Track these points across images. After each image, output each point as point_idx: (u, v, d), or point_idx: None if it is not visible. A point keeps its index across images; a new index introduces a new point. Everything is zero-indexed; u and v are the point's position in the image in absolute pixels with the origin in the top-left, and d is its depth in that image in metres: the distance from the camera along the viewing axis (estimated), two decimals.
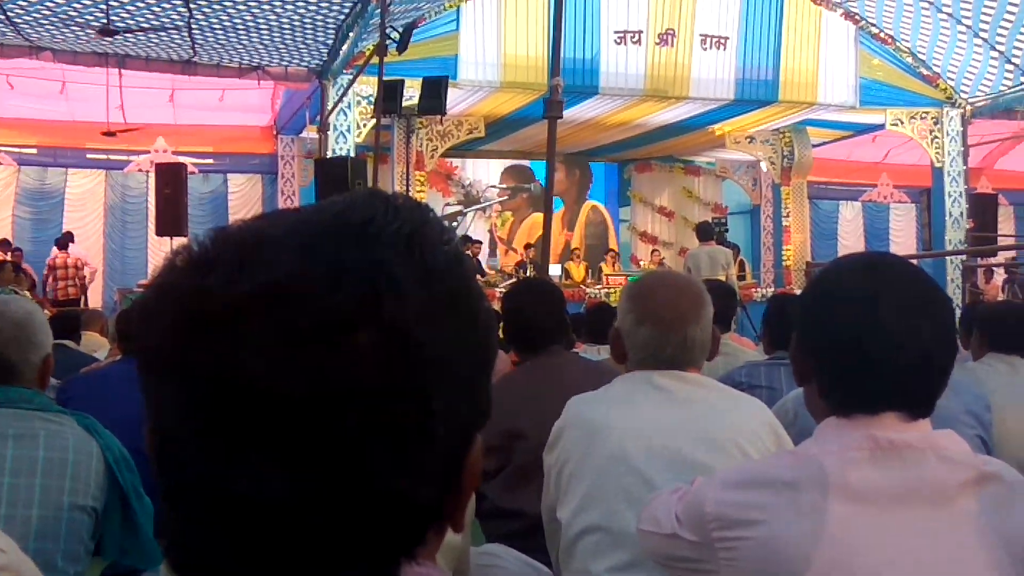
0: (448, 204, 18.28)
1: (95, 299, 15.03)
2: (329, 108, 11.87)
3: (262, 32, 10.88)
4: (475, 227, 18.41)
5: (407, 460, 0.61)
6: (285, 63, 12.19)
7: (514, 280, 12.92)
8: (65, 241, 13.97)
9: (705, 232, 12.44)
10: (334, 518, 0.60)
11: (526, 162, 18.90)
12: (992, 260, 15.37)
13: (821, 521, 1.35)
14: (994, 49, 13.56)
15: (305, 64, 12.21)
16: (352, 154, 11.89)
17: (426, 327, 0.61)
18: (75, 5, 9.87)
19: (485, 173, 18.88)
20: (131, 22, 10.25)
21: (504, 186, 19.18)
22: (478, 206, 18.41)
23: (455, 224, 16.78)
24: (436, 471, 0.64)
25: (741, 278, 14.06)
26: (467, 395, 0.66)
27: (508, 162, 18.81)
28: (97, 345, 6.76)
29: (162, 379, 0.62)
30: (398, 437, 0.61)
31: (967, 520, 1.37)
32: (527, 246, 16.68)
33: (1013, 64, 13.63)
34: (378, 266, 0.61)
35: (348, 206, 0.66)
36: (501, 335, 3.37)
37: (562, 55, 6.21)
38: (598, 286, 14.40)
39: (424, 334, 0.61)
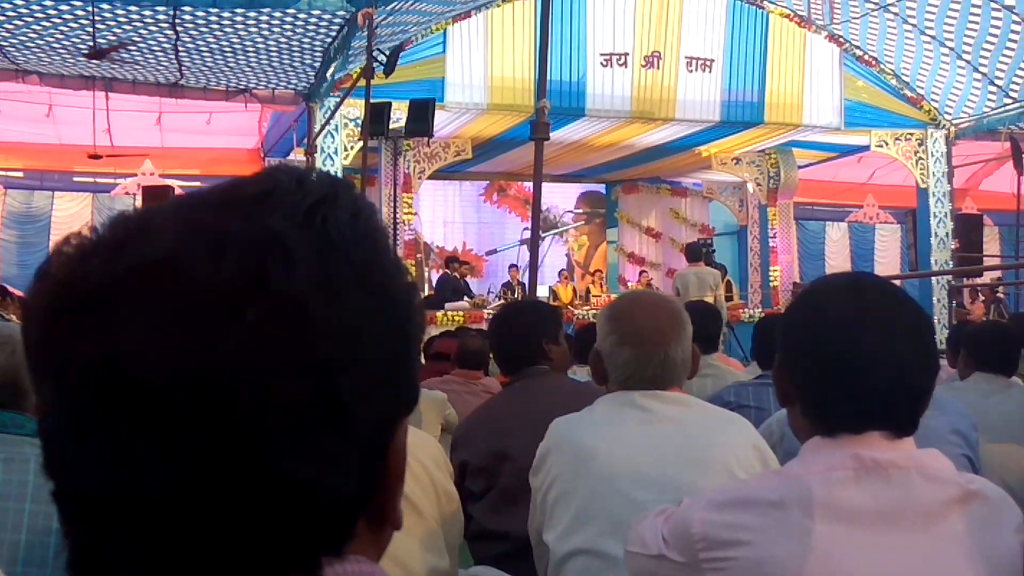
0: (526, 228, 18.41)
1: None
2: (316, 130, 11.87)
3: (249, 55, 10.89)
4: (552, 252, 18.60)
5: (312, 446, 0.56)
6: (272, 86, 12.21)
7: (503, 302, 12.92)
8: None
9: (694, 253, 12.48)
10: (237, 514, 0.55)
11: (600, 187, 19.28)
12: (978, 280, 15.45)
13: (807, 541, 1.35)
14: (977, 71, 13.66)
15: (292, 87, 12.22)
16: (340, 176, 11.89)
17: (325, 300, 0.57)
18: (61, 28, 9.87)
19: (562, 198, 19.12)
20: (117, 44, 10.25)
21: (580, 211, 19.44)
22: (555, 231, 18.62)
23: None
24: (351, 459, 0.59)
25: (729, 299, 14.09)
26: (384, 376, 0.61)
27: (584, 187, 19.17)
28: None
29: (42, 374, 0.57)
30: (298, 420, 0.55)
31: (952, 538, 1.37)
32: (595, 272, 16.93)
33: (996, 85, 13.73)
34: (267, 236, 0.56)
35: (247, 179, 0.61)
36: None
37: (548, 77, 6.23)
38: (586, 307, 14.40)
39: (322, 308, 0.56)
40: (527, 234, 17.79)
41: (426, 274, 16.06)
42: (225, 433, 0.54)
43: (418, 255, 16.42)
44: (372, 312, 0.60)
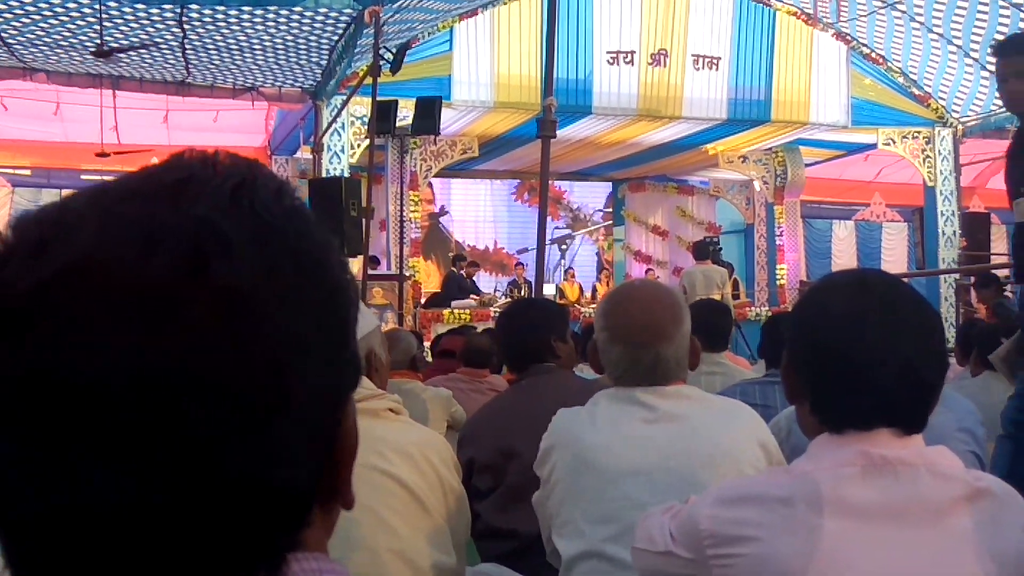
0: (557, 227, 18.69)
1: None
2: (323, 129, 11.88)
3: (256, 53, 10.90)
4: (583, 251, 18.90)
5: (261, 441, 0.54)
6: (279, 84, 12.21)
7: (508, 300, 12.92)
8: None
9: (701, 251, 12.47)
10: (190, 518, 0.52)
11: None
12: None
13: (815, 537, 1.35)
14: (984, 69, 13.62)
15: (299, 85, 12.23)
16: (346, 174, 11.89)
17: (266, 287, 0.54)
18: (69, 27, 9.89)
19: (592, 197, 19.32)
20: (125, 43, 10.27)
21: (610, 210, 19.56)
22: (585, 230, 18.84)
23: (564, 247, 17.00)
24: (302, 448, 0.57)
25: (735, 297, 14.08)
26: (325, 357, 0.59)
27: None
28: None
29: None
30: (247, 417, 0.53)
31: (960, 536, 1.37)
32: (603, 270, 17.05)
33: None
34: (198, 224, 0.53)
35: (160, 167, 0.58)
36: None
37: (555, 75, 6.23)
38: (592, 304, 14.39)
39: (264, 295, 0.54)
40: (558, 233, 17.93)
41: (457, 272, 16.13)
42: (173, 437, 0.51)
43: (449, 253, 16.48)
44: (310, 293, 0.58)
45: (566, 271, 17.12)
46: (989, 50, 3.87)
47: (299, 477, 0.57)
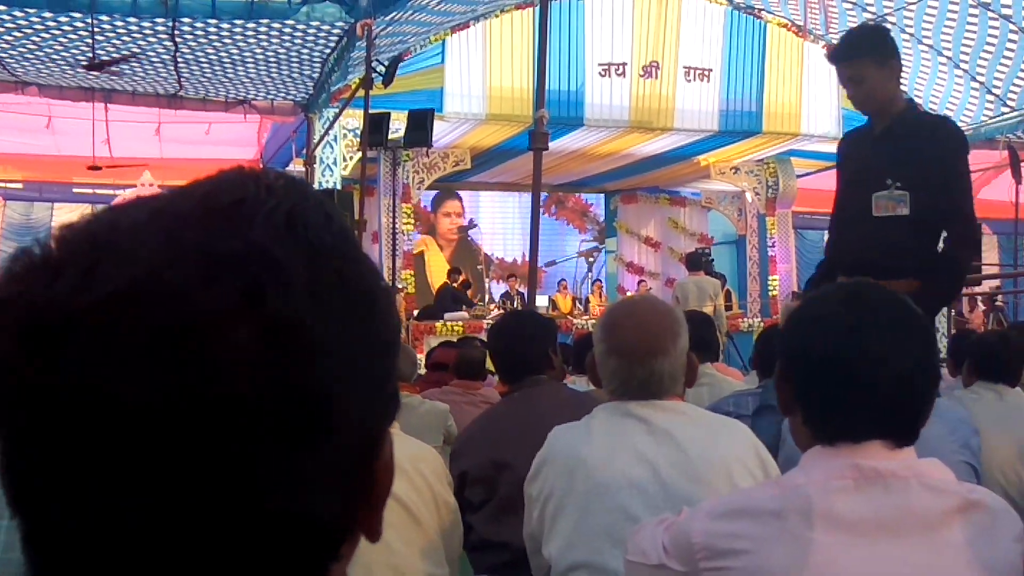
0: (584, 240, 18.85)
1: None
2: (315, 141, 11.88)
3: (248, 66, 10.90)
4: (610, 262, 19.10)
5: (303, 474, 0.54)
6: (271, 97, 12.21)
7: (501, 312, 12.92)
8: None
9: (694, 262, 12.48)
10: (224, 548, 0.52)
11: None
12: (976, 289, 15.44)
13: (806, 550, 1.35)
14: (974, 80, 13.68)
15: (291, 98, 12.23)
16: (338, 187, 11.90)
17: (317, 316, 0.54)
18: (61, 40, 9.89)
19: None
20: (117, 56, 10.27)
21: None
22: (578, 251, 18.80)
23: (592, 260, 17.07)
24: (339, 482, 0.57)
25: (728, 308, 14.09)
26: (370, 388, 0.58)
27: None
28: None
29: (8, 403, 0.53)
30: (290, 450, 0.53)
31: (952, 548, 1.37)
32: (595, 281, 17.27)
33: (993, 94, 13.75)
34: (256, 252, 0.53)
35: (214, 187, 0.57)
36: (491, 367, 3.39)
37: (547, 87, 6.23)
38: (585, 316, 14.39)
39: (316, 328, 0.54)
40: (584, 246, 17.98)
41: (486, 285, 16.27)
42: (214, 467, 0.51)
43: (478, 266, 16.52)
44: (358, 322, 0.57)
45: (593, 283, 17.17)
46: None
47: (335, 510, 0.57)
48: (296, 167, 14.33)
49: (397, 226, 13.28)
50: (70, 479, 0.51)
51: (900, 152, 3.71)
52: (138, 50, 10.07)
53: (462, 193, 18.41)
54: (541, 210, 19.08)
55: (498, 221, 18.80)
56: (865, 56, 3.70)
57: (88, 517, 0.51)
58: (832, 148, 15.75)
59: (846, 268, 3.63)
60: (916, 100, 14.34)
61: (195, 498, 0.51)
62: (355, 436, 0.57)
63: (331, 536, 0.58)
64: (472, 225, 18.42)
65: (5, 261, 0.56)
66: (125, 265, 0.52)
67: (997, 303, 15.65)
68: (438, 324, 12.52)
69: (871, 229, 3.69)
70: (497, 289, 16.81)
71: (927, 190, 3.58)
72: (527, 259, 18.43)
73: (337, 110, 11.43)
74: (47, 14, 9.20)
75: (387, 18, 10.07)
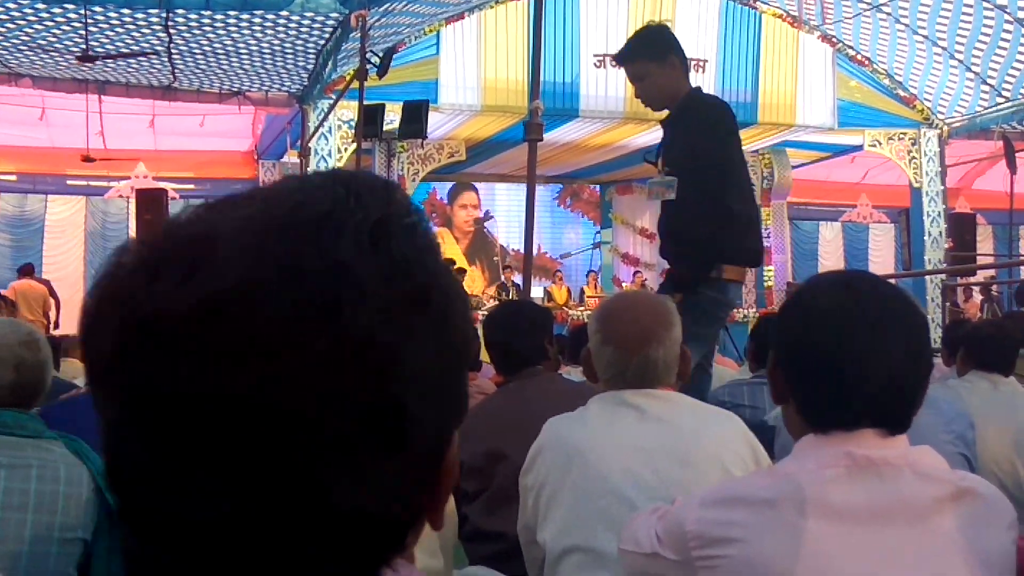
0: (599, 232, 19.00)
1: (75, 326, 14.91)
2: (310, 133, 11.87)
3: (242, 57, 10.89)
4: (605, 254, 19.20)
5: (372, 476, 0.57)
6: (265, 88, 12.20)
7: (496, 303, 12.92)
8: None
9: None
10: (291, 542, 0.56)
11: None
12: (972, 279, 15.48)
13: (799, 538, 1.35)
14: (969, 70, 13.69)
15: (285, 89, 12.22)
16: None
17: (392, 329, 0.57)
18: (54, 32, 9.86)
19: None
20: (111, 47, 10.24)
21: None
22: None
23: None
24: (408, 484, 0.60)
25: None
26: (441, 396, 0.61)
27: None
28: (77, 372, 6.70)
29: (109, 393, 0.58)
30: (364, 451, 0.56)
31: (944, 536, 1.37)
32: (589, 273, 17.38)
33: (988, 85, 13.76)
34: (337, 267, 0.56)
35: (307, 196, 0.60)
36: (486, 358, 3.39)
37: (542, 78, 6.23)
38: (580, 307, 14.40)
39: (390, 337, 0.57)
40: (599, 238, 17.99)
41: (502, 277, 16.46)
42: (288, 465, 0.55)
43: (495, 257, 16.56)
44: (432, 335, 0.60)
45: (588, 274, 17.22)
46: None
47: (403, 508, 0.60)
48: (291, 159, 14.35)
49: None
50: (161, 466, 0.55)
51: (668, 138, 3.90)
52: (132, 41, 10.04)
53: (477, 184, 18.42)
54: (555, 202, 19.16)
55: (513, 213, 18.86)
56: (642, 55, 3.80)
57: (176, 501, 0.55)
58: (828, 139, 15.75)
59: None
60: (911, 90, 14.37)
61: (271, 493, 0.55)
62: (426, 442, 0.60)
63: (398, 530, 0.61)
64: (488, 217, 18.47)
65: (110, 255, 0.60)
66: (218, 273, 0.55)
67: (992, 293, 15.67)
68: None
69: (661, 216, 3.88)
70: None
71: (685, 172, 3.69)
72: (542, 251, 18.60)
73: (332, 101, 11.41)
74: (40, 5, 9.18)
75: (381, 9, 10.05)
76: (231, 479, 0.55)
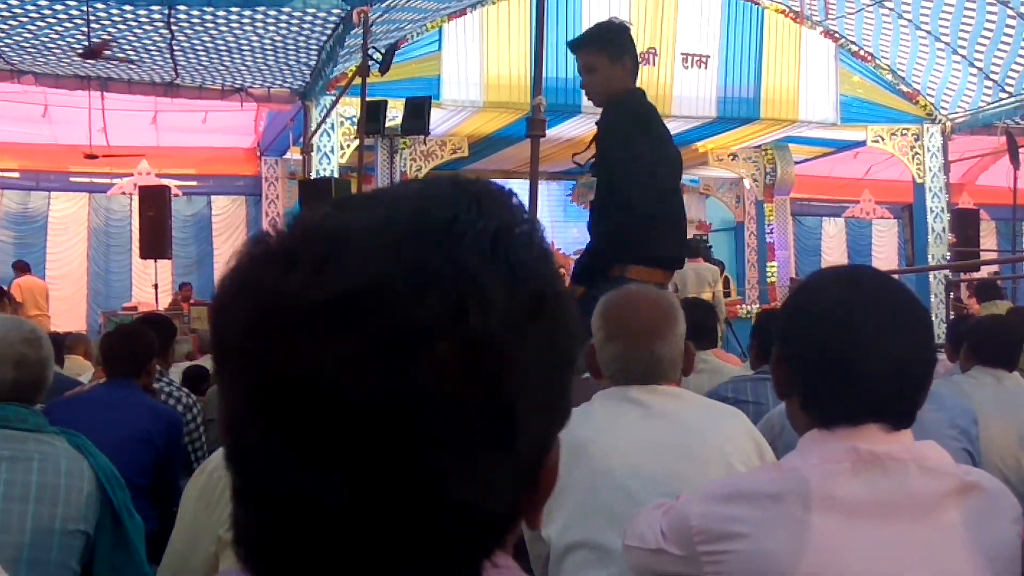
0: None
1: (79, 322, 14.95)
2: (312, 129, 11.86)
3: (244, 54, 10.88)
4: None
5: (482, 473, 0.60)
6: (268, 84, 12.19)
7: None
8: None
9: (693, 249, 12.46)
10: (402, 529, 0.59)
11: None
12: (975, 275, 15.47)
13: (804, 534, 1.35)
14: (972, 66, 13.67)
15: (288, 85, 12.21)
16: (336, 175, 11.88)
17: (510, 335, 0.60)
18: (56, 28, 9.86)
19: None
20: (113, 44, 10.24)
21: None
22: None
23: None
24: (513, 482, 0.63)
25: (726, 295, 14.08)
26: (549, 399, 0.65)
27: None
28: (81, 368, 6.72)
29: (236, 377, 0.61)
30: (475, 449, 0.59)
31: (950, 531, 1.37)
32: None
33: (992, 80, 13.74)
34: (463, 273, 0.59)
35: (431, 202, 0.63)
36: None
37: (544, 74, 6.22)
38: None
39: (508, 342, 0.59)
40: None
41: None
42: (405, 457, 0.58)
43: None
44: (546, 342, 0.63)
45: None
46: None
47: (507, 506, 0.63)
48: (293, 155, 14.34)
49: None
50: (283, 450, 0.58)
51: (598, 141, 3.92)
52: (133, 38, 10.03)
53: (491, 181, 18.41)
54: (569, 198, 19.14)
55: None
56: (599, 48, 3.83)
57: (296, 485, 0.58)
58: (831, 135, 15.73)
59: None
60: (914, 86, 14.34)
61: (388, 483, 0.58)
62: (532, 443, 0.64)
63: (501, 526, 0.64)
64: None
65: (245, 244, 0.63)
66: (351, 270, 0.58)
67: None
68: None
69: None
70: None
71: (600, 173, 3.75)
72: (555, 247, 18.60)
73: (334, 98, 11.40)
74: (43, 1, 9.18)
75: (383, 5, 10.04)
76: (351, 466, 0.57)
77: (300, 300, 0.58)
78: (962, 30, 13.04)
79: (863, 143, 15.57)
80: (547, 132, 6.52)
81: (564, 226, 18.78)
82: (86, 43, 9.59)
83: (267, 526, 0.61)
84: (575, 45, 3.93)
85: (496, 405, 0.59)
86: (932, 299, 14.00)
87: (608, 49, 3.82)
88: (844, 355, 1.42)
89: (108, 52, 9.90)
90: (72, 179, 15.85)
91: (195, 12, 9.46)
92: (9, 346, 2.44)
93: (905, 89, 14.85)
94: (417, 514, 0.59)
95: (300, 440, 0.58)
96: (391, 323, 0.57)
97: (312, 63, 11.27)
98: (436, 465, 0.58)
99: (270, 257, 0.61)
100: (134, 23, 9.69)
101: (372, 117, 10.29)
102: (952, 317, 9.16)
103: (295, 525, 0.59)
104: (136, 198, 13.42)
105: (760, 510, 1.40)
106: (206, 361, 6.41)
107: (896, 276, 1.94)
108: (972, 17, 12.71)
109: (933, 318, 12.24)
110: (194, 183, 16.32)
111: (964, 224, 14.63)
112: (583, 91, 3.99)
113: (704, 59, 13.85)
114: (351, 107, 11.82)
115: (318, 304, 0.57)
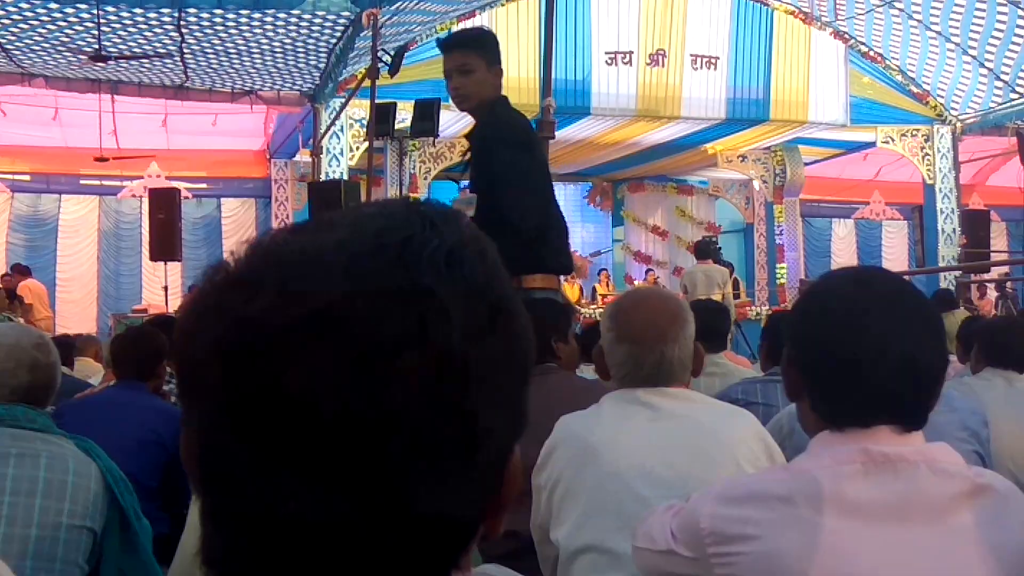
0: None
1: (89, 325, 14.99)
2: (322, 131, 11.88)
3: (254, 56, 10.91)
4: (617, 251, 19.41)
5: (447, 481, 0.62)
6: (277, 87, 12.22)
7: None
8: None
9: (703, 251, 12.45)
10: (376, 541, 0.60)
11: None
12: (986, 276, 15.42)
13: (816, 536, 1.35)
14: (983, 66, 13.63)
15: (297, 88, 12.23)
16: (345, 177, 11.90)
17: (470, 346, 0.62)
18: (67, 32, 9.89)
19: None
20: (123, 47, 10.27)
21: None
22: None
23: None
24: (477, 488, 0.65)
25: (736, 296, 14.07)
26: (509, 409, 0.67)
27: None
28: (91, 371, 6.73)
29: (206, 402, 0.62)
30: (440, 459, 0.61)
31: (962, 533, 1.37)
32: (601, 271, 17.55)
33: (1002, 80, 13.70)
34: (422, 289, 0.61)
35: (387, 223, 0.65)
36: None
37: (553, 76, 6.24)
38: (592, 305, 14.39)
39: (469, 353, 0.61)
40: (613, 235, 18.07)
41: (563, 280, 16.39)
42: (378, 470, 0.59)
43: None
44: (504, 352, 0.65)
45: (599, 272, 17.23)
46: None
47: (472, 512, 0.66)
48: (303, 157, 14.37)
49: None
50: (256, 468, 0.60)
51: (473, 154, 3.85)
52: (145, 41, 10.06)
53: None
54: (585, 200, 19.17)
55: (566, 212, 18.96)
56: (479, 51, 3.77)
57: (269, 502, 0.60)
58: (840, 136, 15.70)
59: None
60: (924, 87, 14.31)
61: (359, 494, 0.59)
62: (495, 450, 0.66)
63: (466, 533, 0.66)
64: None
65: (203, 272, 0.65)
66: (313, 291, 0.60)
67: (1007, 289, 15.60)
68: None
69: None
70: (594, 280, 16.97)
71: (481, 189, 3.66)
72: (572, 249, 18.67)
73: (343, 100, 11.43)
74: (53, 5, 9.21)
75: (393, 7, 10.05)
76: (325, 481, 0.59)
77: (266, 324, 0.59)
78: (972, 31, 13.01)
79: (873, 144, 15.54)
80: (556, 133, 6.52)
81: (581, 227, 18.86)
82: (96, 46, 9.62)
83: (240, 546, 0.62)
84: (449, 44, 3.84)
85: (460, 414, 0.61)
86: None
87: (486, 53, 3.77)
88: (854, 355, 1.42)
89: (121, 59, 9.92)
90: (82, 182, 15.89)
91: (205, 15, 9.49)
92: (24, 351, 2.50)
93: (915, 90, 14.82)
94: (390, 524, 0.60)
95: (274, 460, 0.59)
96: (356, 340, 0.59)
97: (321, 65, 11.29)
98: (407, 475, 0.60)
99: (232, 283, 0.62)
100: (144, 26, 9.72)
101: (381, 119, 10.30)
102: (963, 318, 9.13)
103: (270, 542, 0.60)
104: (146, 200, 13.44)
105: (771, 512, 1.39)
106: None
107: (906, 277, 1.93)
108: (983, 18, 12.68)
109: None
110: (204, 185, 16.35)
111: (974, 225, 14.60)
112: (450, 93, 3.88)
113: (713, 60, 13.85)
114: (360, 109, 11.84)
115: (284, 326, 0.59)
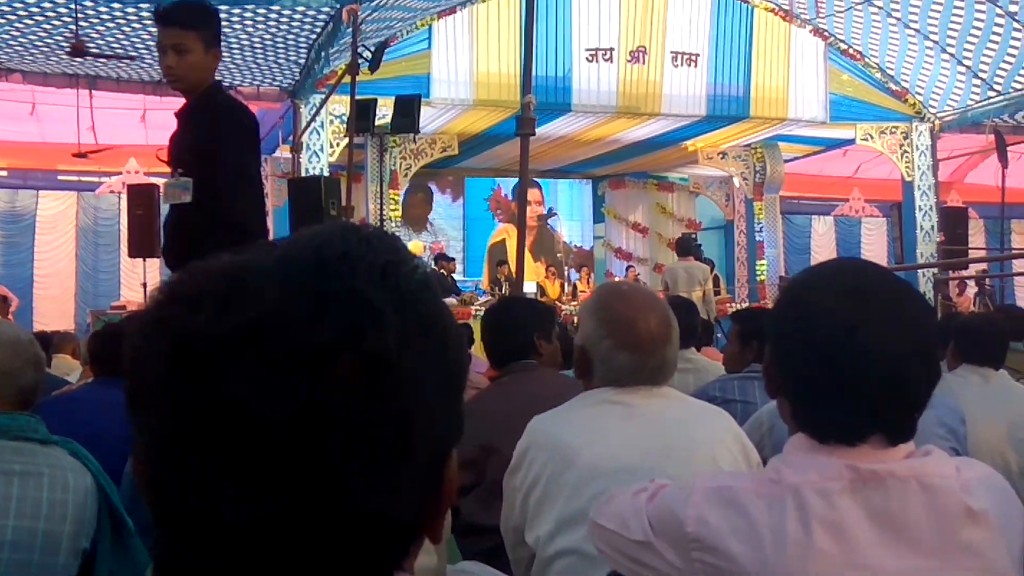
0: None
1: (67, 321, 14.90)
2: (302, 127, 11.83)
3: (233, 52, 10.85)
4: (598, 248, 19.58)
5: (386, 482, 0.64)
6: (257, 83, 12.16)
7: (490, 299, 12.92)
8: None
9: (684, 248, 12.47)
10: (318, 541, 0.62)
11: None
12: (964, 273, 15.50)
13: (804, 552, 1.31)
14: (961, 64, 13.71)
15: (277, 84, 12.18)
16: (326, 173, 11.85)
17: (404, 351, 0.64)
18: (44, 27, 9.82)
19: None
20: (101, 43, 10.20)
21: None
22: None
23: None
24: (415, 489, 0.67)
25: (716, 293, 14.11)
26: (443, 413, 0.69)
27: None
28: (69, 368, 6.69)
29: (153, 410, 0.64)
30: (378, 460, 0.63)
31: (953, 550, 1.34)
32: (582, 267, 17.67)
33: (980, 79, 13.78)
34: (358, 297, 0.64)
35: (325, 241, 0.68)
36: (485, 354, 3.42)
37: (534, 73, 6.23)
38: (573, 302, 14.40)
39: (403, 358, 0.64)
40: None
41: (565, 272, 16.75)
42: (318, 471, 0.61)
43: (558, 254, 16.65)
44: (435, 358, 0.68)
45: (548, 268, 17.19)
46: None
47: (411, 513, 0.68)
48: (283, 153, 14.31)
49: (385, 212, 13.26)
50: (200, 474, 0.62)
51: (188, 137, 3.61)
52: (123, 36, 9.99)
53: (539, 180, 18.60)
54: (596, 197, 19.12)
55: (576, 209, 19.31)
56: (200, 29, 3.48)
57: (216, 507, 0.62)
58: (820, 133, 15.76)
59: None
60: (903, 84, 14.37)
61: (304, 497, 0.61)
62: (430, 451, 0.68)
63: (406, 535, 0.68)
64: (552, 213, 18.53)
65: (153, 292, 0.69)
66: (253, 302, 0.63)
67: (985, 286, 15.71)
68: None
69: (171, 217, 3.59)
70: (575, 276, 16.91)
71: (197, 174, 3.47)
72: (578, 244, 18.72)
73: (323, 96, 11.38)
74: (30, 0, 9.13)
75: (373, 3, 10.03)
76: (266, 485, 0.61)
77: (207, 335, 0.62)
78: (951, 28, 13.08)
79: (852, 141, 15.61)
80: (537, 130, 6.53)
81: (588, 225, 18.96)
82: (74, 41, 9.55)
83: (188, 550, 0.64)
84: (168, 18, 3.48)
85: (395, 415, 0.64)
86: None
87: (206, 33, 3.49)
88: (843, 368, 1.36)
89: (100, 57, 9.85)
90: (60, 177, 15.80)
91: None
92: (27, 348, 2.42)
93: (894, 87, 14.89)
94: (332, 525, 0.62)
95: (217, 465, 0.61)
96: (293, 345, 0.61)
97: (301, 61, 11.25)
98: (346, 475, 0.62)
99: (176, 299, 0.65)
100: (123, 21, 9.65)
101: (362, 115, 10.27)
102: (941, 315, 9.17)
103: (216, 547, 0.62)
104: (124, 196, 13.36)
105: (759, 528, 1.35)
106: None
107: None
108: (961, 16, 12.75)
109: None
110: None
111: (952, 222, 14.66)
112: (161, 68, 3.55)
113: (694, 57, 13.87)
114: (340, 105, 11.80)
115: (223, 336, 0.61)
